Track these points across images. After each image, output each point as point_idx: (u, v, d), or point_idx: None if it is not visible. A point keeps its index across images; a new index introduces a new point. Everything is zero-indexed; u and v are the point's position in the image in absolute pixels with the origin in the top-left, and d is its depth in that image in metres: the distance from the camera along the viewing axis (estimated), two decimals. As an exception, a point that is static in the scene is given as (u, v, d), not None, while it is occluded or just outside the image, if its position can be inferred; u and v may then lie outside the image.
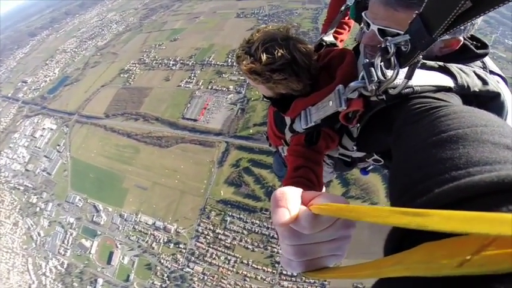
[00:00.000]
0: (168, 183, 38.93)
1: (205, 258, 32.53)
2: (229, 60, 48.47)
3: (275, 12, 58.78)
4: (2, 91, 73.87)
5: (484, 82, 0.93)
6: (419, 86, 0.86)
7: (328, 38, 1.70)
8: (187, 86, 49.37)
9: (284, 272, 28.51)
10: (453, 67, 0.93)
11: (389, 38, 0.79)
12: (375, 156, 1.39)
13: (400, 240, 0.41)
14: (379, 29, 1.07)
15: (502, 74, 1.15)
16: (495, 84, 0.95)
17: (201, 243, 33.46)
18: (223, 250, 32.15)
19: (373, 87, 0.90)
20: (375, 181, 28.76)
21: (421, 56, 0.74)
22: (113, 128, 49.31)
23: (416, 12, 0.68)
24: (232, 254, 31.58)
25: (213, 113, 43.18)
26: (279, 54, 1.24)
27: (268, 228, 31.01)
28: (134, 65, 59.71)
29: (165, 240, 35.30)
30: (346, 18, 1.79)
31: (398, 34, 0.94)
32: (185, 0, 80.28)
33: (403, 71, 0.81)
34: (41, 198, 44.75)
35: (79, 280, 36.21)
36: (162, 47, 61.51)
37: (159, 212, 37.24)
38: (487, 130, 0.54)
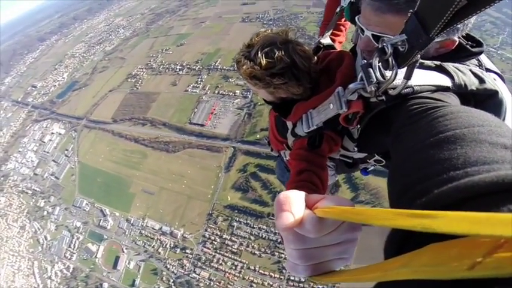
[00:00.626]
0: (175, 188, 38.99)
1: (212, 264, 32.34)
2: (236, 64, 48.71)
3: (280, 16, 59.06)
4: (12, 95, 75.36)
5: (481, 80, 0.92)
6: (419, 85, 0.86)
7: (326, 40, 1.69)
8: (194, 90, 49.71)
9: (292, 278, 28.17)
10: (450, 66, 0.93)
11: (385, 38, 0.79)
12: (376, 157, 1.40)
13: (401, 241, 0.41)
14: (373, 35, 1.08)
15: (499, 71, 1.13)
16: (492, 82, 0.94)
17: (208, 248, 33.31)
18: (230, 255, 31.94)
19: (373, 89, 0.89)
20: (385, 186, 28.08)
21: (419, 56, 0.73)
22: (120, 133, 49.80)
23: (411, 11, 0.68)
24: (239, 259, 31.33)
25: (220, 118, 43.30)
26: (279, 58, 1.23)
27: (275, 233, 30.72)
28: (141, 69, 60.42)
29: (172, 245, 35.23)
30: (342, 20, 1.77)
31: None
32: (191, 5, 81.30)
33: (402, 71, 0.80)
34: (49, 202, 45.20)
35: (84, 284, 36.27)
36: (168, 52, 62.21)
37: (166, 217, 37.26)
38: (484, 130, 0.54)
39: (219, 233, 33.58)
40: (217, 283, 31.15)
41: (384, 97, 0.90)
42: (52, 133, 55.51)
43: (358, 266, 0.41)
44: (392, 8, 0.95)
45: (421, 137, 0.64)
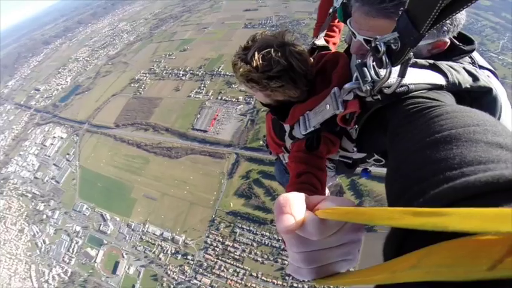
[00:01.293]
0: (177, 194, 38.83)
1: (214, 270, 32.03)
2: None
3: (282, 22, 59.64)
4: (15, 98, 75.61)
5: (475, 78, 0.92)
6: (413, 84, 0.87)
7: (320, 41, 1.69)
8: (197, 96, 49.93)
9: (295, 285, 27.87)
10: (443, 65, 0.93)
11: (378, 37, 0.79)
12: (376, 156, 1.40)
13: (401, 241, 0.40)
14: (365, 39, 1.09)
15: (492, 68, 1.14)
16: (486, 79, 0.95)
17: (210, 255, 33.03)
18: (232, 262, 31.66)
19: (368, 88, 0.90)
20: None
21: (411, 53, 0.74)
22: (122, 138, 49.87)
23: (402, 8, 0.70)
24: (242, 266, 31.05)
25: (223, 124, 43.33)
26: (276, 60, 1.22)
27: (278, 240, 30.55)
28: (145, 74, 60.82)
29: (173, 251, 34.95)
30: (336, 21, 1.78)
31: None
32: (194, 11, 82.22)
33: (396, 70, 0.81)
34: (48, 206, 45.07)
35: (82, 288, 35.87)
36: (172, 57, 62.73)
37: (167, 223, 37.03)
38: (479, 129, 0.54)
39: (221, 240, 33.35)
40: (219, 290, 30.85)
41: (379, 96, 0.91)
42: (54, 137, 55.60)
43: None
44: (381, 12, 0.98)
45: (417, 138, 0.64)
